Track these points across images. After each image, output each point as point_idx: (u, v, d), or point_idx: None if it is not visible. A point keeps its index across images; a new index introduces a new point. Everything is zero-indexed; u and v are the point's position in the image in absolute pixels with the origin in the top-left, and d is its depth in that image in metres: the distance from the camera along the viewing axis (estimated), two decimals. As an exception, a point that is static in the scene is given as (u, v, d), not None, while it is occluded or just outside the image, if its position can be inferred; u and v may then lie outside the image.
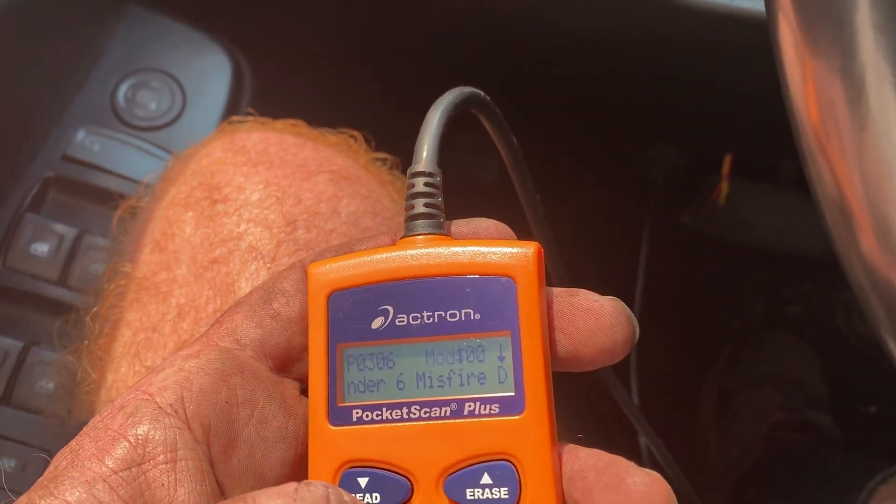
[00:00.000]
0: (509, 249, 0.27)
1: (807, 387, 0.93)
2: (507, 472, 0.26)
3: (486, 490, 0.26)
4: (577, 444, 0.27)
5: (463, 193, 0.36)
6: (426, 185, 0.28)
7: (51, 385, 0.50)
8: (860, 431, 0.91)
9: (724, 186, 0.89)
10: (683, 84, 0.71)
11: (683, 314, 0.95)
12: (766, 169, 0.93)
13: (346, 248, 0.29)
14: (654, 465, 0.49)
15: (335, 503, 0.21)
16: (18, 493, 0.24)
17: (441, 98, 0.29)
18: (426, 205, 0.28)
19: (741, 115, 0.76)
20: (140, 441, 0.24)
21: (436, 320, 0.27)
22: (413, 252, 0.27)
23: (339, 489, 0.22)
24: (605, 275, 0.56)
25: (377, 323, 0.27)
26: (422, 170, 0.28)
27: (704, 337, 0.98)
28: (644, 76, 0.70)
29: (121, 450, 0.24)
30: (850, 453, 0.85)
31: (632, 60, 0.67)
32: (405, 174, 0.29)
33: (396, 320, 0.27)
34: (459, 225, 0.29)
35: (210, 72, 0.58)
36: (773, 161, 0.92)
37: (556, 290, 0.27)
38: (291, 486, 0.21)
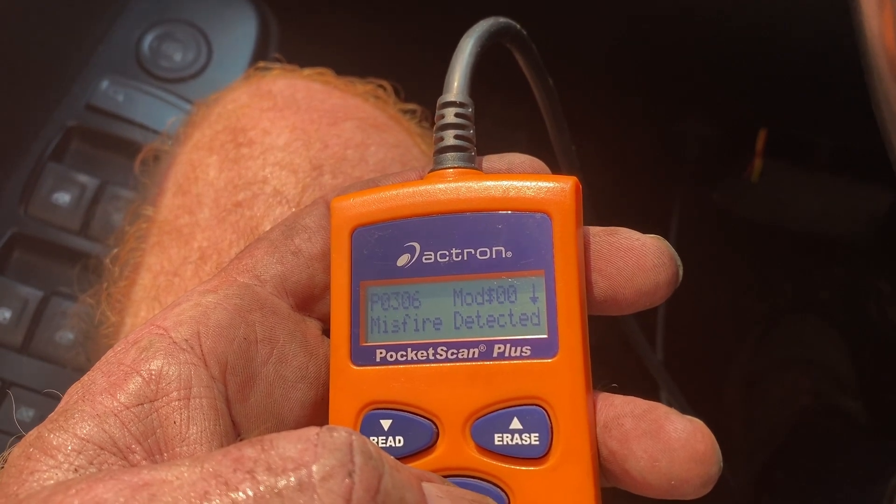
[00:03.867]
0: (545, 184, 0.25)
1: (836, 372, 0.92)
2: (538, 417, 0.24)
3: (516, 436, 0.24)
4: (611, 392, 0.25)
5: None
6: (457, 115, 0.26)
7: (70, 335, 0.49)
8: (889, 419, 0.89)
9: (758, 164, 0.87)
10: (719, 54, 0.69)
11: (712, 294, 0.94)
12: (801, 148, 0.91)
13: (371, 185, 0.28)
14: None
15: (358, 451, 0.20)
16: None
17: (474, 27, 0.27)
18: (457, 136, 0.27)
19: (778, 88, 0.74)
20: (153, 377, 0.23)
21: (465, 258, 0.25)
22: (442, 186, 0.26)
23: (363, 436, 0.20)
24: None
25: (403, 260, 0.26)
26: (452, 99, 0.27)
27: (732, 318, 0.96)
28: (679, 44, 0.68)
29: (133, 385, 0.23)
30: (878, 440, 0.83)
31: (668, 27, 0.65)
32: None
33: (423, 258, 0.26)
34: (492, 160, 0.27)
35: (236, 24, 0.57)
36: (808, 138, 0.90)
37: (595, 229, 0.26)
38: (313, 430, 0.20)
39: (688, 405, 0.48)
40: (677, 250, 0.26)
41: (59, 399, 0.24)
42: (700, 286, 0.91)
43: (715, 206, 0.95)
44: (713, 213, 0.95)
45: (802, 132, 0.88)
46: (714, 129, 0.92)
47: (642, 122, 0.86)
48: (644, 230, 0.26)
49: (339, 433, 0.20)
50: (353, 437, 0.20)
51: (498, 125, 0.84)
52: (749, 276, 0.98)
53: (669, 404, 0.25)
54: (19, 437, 0.23)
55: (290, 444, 0.19)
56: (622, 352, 0.52)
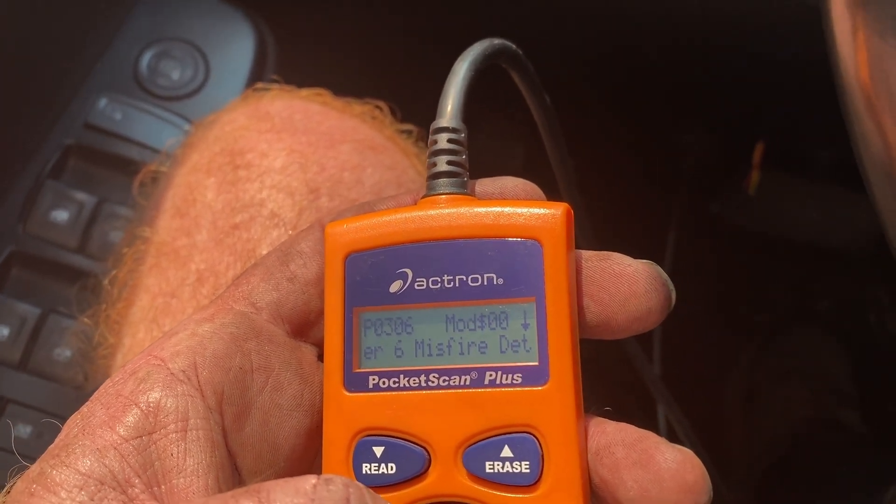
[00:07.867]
0: (536, 211, 0.25)
1: (836, 384, 0.92)
2: (529, 445, 0.24)
3: (507, 463, 0.25)
4: (604, 416, 0.26)
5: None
6: (450, 141, 0.27)
7: (68, 353, 0.49)
8: (889, 431, 0.89)
9: (755, 176, 0.87)
10: (716, 66, 0.69)
11: (710, 306, 0.93)
12: (799, 159, 0.91)
13: (366, 208, 0.28)
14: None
15: None
16: (33, 460, 0.23)
17: (469, 49, 0.27)
18: (449, 162, 0.27)
19: (775, 100, 0.74)
20: (151, 409, 0.23)
21: (457, 285, 0.26)
22: (434, 212, 0.26)
23: (361, 486, 0.20)
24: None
25: (395, 286, 0.26)
26: (445, 125, 0.27)
27: (731, 329, 0.96)
28: (676, 58, 0.68)
29: (132, 417, 0.23)
30: (878, 452, 0.83)
31: (664, 41, 0.66)
32: None
33: (415, 284, 0.26)
34: (485, 184, 0.28)
35: (234, 42, 0.57)
36: (807, 150, 0.90)
37: (586, 254, 0.26)
38: (310, 481, 0.20)
39: (684, 418, 0.48)
40: (675, 262, 0.26)
41: (58, 427, 0.24)
42: (698, 297, 0.91)
43: (713, 217, 0.95)
44: (711, 225, 0.95)
45: (800, 144, 0.89)
46: (711, 142, 0.92)
47: (640, 135, 0.86)
48: (642, 242, 0.26)
49: (336, 485, 0.20)
50: (351, 490, 0.20)
51: (495, 138, 0.84)
52: (748, 287, 0.98)
53: (666, 418, 0.25)
54: (22, 469, 0.23)
55: (287, 496, 0.19)
56: (620, 364, 0.52)
